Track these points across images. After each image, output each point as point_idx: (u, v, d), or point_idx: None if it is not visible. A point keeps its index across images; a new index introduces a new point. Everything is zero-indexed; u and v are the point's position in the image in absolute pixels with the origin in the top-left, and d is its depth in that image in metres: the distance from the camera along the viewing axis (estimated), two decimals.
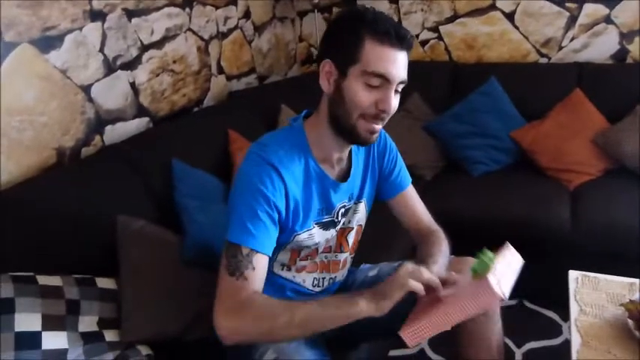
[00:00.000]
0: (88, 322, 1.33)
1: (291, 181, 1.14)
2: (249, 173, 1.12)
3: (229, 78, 2.74)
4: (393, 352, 2.03)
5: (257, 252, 1.07)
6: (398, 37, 1.05)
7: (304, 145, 1.19)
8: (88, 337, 1.31)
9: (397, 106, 1.12)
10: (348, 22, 1.10)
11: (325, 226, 1.26)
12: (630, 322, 1.25)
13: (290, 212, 1.16)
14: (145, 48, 2.11)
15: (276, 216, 1.11)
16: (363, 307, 1.00)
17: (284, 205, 1.13)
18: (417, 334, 1.02)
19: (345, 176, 1.27)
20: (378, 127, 1.13)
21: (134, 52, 2.06)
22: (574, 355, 1.24)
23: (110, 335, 1.37)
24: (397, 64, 1.07)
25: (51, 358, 1.22)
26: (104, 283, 1.43)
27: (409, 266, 1.05)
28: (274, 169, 1.11)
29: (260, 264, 1.08)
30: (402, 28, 1.07)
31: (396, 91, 1.10)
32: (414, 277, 1.02)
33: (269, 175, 1.10)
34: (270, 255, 1.11)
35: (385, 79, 1.07)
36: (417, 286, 1.01)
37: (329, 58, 1.11)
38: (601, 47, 2.74)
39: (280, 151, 1.14)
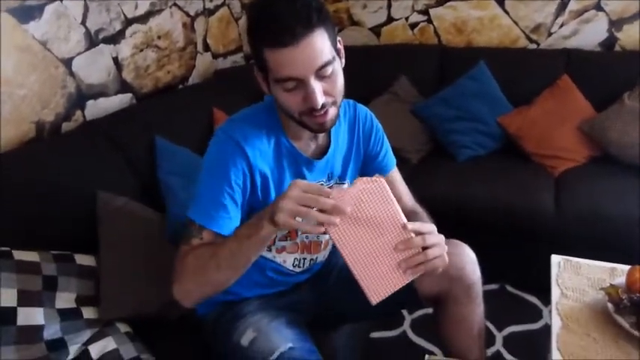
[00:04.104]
0: (65, 299, 1.31)
1: (255, 157, 1.12)
2: (213, 152, 1.14)
3: (215, 56, 2.69)
4: (374, 334, 2.03)
5: (208, 229, 1.10)
6: (288, 34, 0.97)
7: (275, 122, 1.18)
8: (65, 314, 1.29)
9: (340, 85, 1.07)
10: (249, 31, 1.04)
11: None
12: (610, 305, 1.26)
13: (258, 187, 1.15)
14: (128, 22, 2.06)
15: (237, 195, 1.11)
16: (269, 227, 0.95)
17: (248, 180, 1.13)
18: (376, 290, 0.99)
19: (322, 154, 1.24)
20: (325, 117, 1.07)
21: (117, 26, 2.01)
22: (554, 337, 1.25)
23: (88, 312, 1.35)
24: (297, 61, 0.99)
25: (26, 334, 1.20)
26: (83, 259, 1.42)
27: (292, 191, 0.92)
28: (237, 144, 1.10)
29: (209, 239, 1.10)
30: (296, 12, 0.97)
31: (323, 77, 1.03)
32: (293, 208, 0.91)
33: (231, 152, 1.10)
34: (225, 233, 1.10)
35: (296, 79, 1.02)
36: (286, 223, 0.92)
37: (256, 67, 1.09)
38: (590, 34, 2.73)
39: (246, 127, 1.14)
